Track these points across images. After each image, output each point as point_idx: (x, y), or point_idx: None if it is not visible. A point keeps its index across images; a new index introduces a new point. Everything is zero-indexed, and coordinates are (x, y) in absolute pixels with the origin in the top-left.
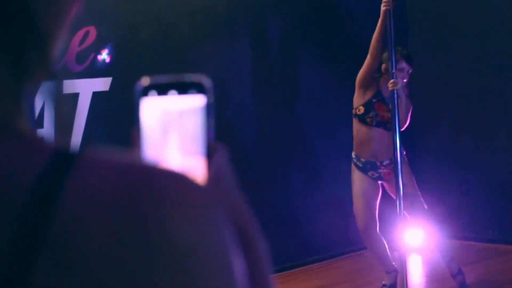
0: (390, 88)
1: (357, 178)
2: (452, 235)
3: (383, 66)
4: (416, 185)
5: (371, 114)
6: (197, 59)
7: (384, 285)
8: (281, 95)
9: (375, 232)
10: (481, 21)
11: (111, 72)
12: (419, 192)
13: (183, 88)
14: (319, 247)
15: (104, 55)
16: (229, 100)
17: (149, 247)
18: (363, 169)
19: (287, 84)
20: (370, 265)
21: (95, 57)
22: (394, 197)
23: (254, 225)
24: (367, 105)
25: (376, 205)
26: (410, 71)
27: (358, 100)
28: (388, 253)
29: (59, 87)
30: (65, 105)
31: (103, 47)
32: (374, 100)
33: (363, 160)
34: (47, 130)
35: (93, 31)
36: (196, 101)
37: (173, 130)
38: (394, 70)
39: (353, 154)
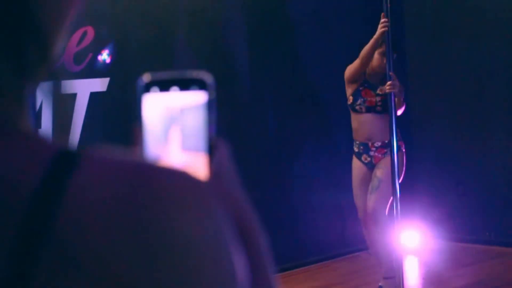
0: (387, 91)
1: (354, 167)
2: (449, 236)
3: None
4: (385, 175)
5: (358, 102)
6: (195, 59)
7: (380, 286)
8: (278, 96)
9: (372, 226)
10: (477, 23)
11: (108, 72)
12: (385, 179)
13: (185, 85)
14: (316, 249)
15: (105, 56)
16: (226, 100)
17: (151, 246)
18: (358, 154)
19: (284, 85)
20: (366, 267)
21: (93, 57)
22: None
23: (255, 222)
24: (355, 94)
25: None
26: (395, 56)
27: (348, 91)
28: (390, 256)
29: (59, 86)
30: (65, 105)
31: (101, 47)
32: (360, 88)
33: (357, 142)
34: (45, 129)
35: (91, 32)
36: (198, 98)
37: (174, 127)
38: (391, 72)
39: (354, 142)
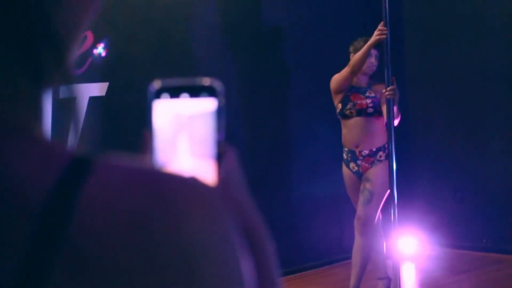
0: (387, 96)
1: (344, 174)
2: (446, 243)
3: (352, 56)
4: (379, 186)
5: (348, 106)
6: (193, 64)
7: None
8: (274, 100)
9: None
10: (476, 29)
11: (107, 77)
12: (376, 193)
13: (195, 91)
14: (314, 254)
15: (100, 49)
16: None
17: (163, 252)
18: (346, 162)
19: (279, 89)
20: (364, 272)
21: (92, 62)
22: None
23: (262, 227)
24: (343, 101)
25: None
26: (378, 55)
27: (336, 101)
28: (382, 257)
29: (73, 91)
30: (79, 109)
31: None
32: (348, 94)
33: (346, 149)
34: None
35: (90, 36)
36: (208, 104)
37: (184, 133)
38: (393, 77)
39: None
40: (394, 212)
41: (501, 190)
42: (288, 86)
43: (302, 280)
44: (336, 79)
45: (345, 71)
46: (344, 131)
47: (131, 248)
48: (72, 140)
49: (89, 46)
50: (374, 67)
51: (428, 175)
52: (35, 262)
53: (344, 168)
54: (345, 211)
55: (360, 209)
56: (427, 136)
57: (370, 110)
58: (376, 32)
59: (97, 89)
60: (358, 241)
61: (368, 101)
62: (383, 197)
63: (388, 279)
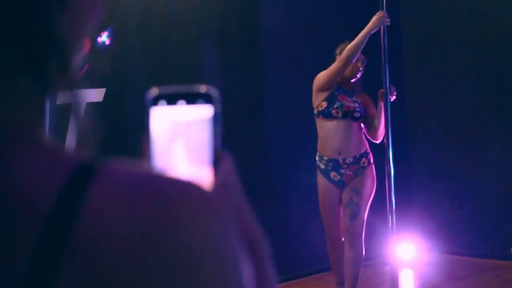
0: (393, 99)
1: (322, 186)
2: (444, 249)
3: (337, 57)
4: (366, 197)
5: (335, 106)
6: (190, 71)
7: None
8: (272, 104)
9: (340, 242)
10: (474, 35)
11: (105, 83)
12: (363, 205)
13: (192, 98)
14: (311, 260)
15: (104, 38)
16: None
17: (167, 256)
18: (325, 172)
19: (279, 94)
20: (361, 279)
21: (89, 68)
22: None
23: (259, 232)
24: (330, 99)
25: (339, 213)
26: (365, 62)
27: (319, 98)
28: (358, 271)
29: (78, 97)
30: (84, 115)
31: (97, 58)
32: (336, 93)
33: (325, 158)
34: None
35: (87, 42)
36: (204, 111)
37: (181, 139)
38: (390, 85)
39: (316, 157)
40: (392, 218)
41: (499, 197)
42: (307, 95)
43: (300, 286)
44: (324, 75)
45: (335, 65)
46: (322, 135)
47: (135, 251)
48: (71, 145)
49: (86, 52)
50: (358, 73)
51: (426, 181)
52: (42, 266)
53: (322, 180)
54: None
55: (347, 223)
56: (424, 142)
57: (357, 114)
58: (375, 17)
59: (94, 94)
60: (350, 254)
61: (356, 105)
62: (368, 205)
63: (343, 285)
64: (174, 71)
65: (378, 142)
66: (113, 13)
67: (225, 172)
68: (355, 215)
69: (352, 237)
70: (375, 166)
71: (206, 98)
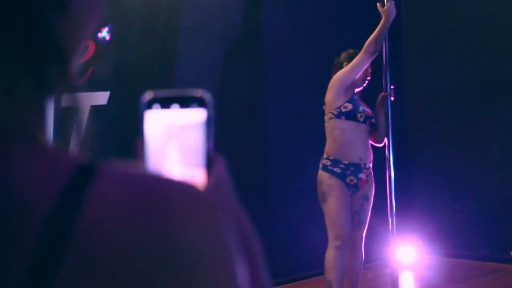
0: (392, 98)
1: (336, 188)
2: (444, 252)
3: (345, 64)
4: (372, 203)
5: (360, 109)
6: (193, 73)
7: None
8: (273, 107)
9: (348, 245)
10: (474, 40)
11: (109, 86)
12: (369, 211)
13: (185, 102)
14: (312, 262)
15: (104, 33)
16: (225, 113)
17: (164, 253)
18: (341, 175)
19: (280, 97)
20: (362, 281)
21: (94, 71)
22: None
23: (253, 233)
24: (353, 102)
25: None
26: (370, 70)
27: (340, 99)
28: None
29: (78, 100)
30: (84, 118)
31: (101, 62)
32: (356, 97)
33: (345, 162)
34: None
35: (91, 45)
36: (197, 115)
37: (175, 142)
38: (392, 86)
39: (326, 161)
40: (392, 221)
41: (498, 200)
42: (308, 98)
43: None
44: (348, 69)
45: (360, 56)
46: (343, 138)
47: (134, 250)
48: (74, 148)
49: (90, 56)
50: (367, 79)
51: (426, 184)
52: (42, 266)
53: (336, 181)
54: None
55: (354, 230)
56: (425, 146)
57: (374, 120)
58: (385, 8)
59: (99, 98)
60: (354, 262)
61: (371, 111)
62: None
63: None
64: (178, 74)
65: (381, 145)
66: (117, 17)
67: (218, 174)
68: (361, 223)
69: (356, 243)
70: (375, 170)
71: (199, 102)
